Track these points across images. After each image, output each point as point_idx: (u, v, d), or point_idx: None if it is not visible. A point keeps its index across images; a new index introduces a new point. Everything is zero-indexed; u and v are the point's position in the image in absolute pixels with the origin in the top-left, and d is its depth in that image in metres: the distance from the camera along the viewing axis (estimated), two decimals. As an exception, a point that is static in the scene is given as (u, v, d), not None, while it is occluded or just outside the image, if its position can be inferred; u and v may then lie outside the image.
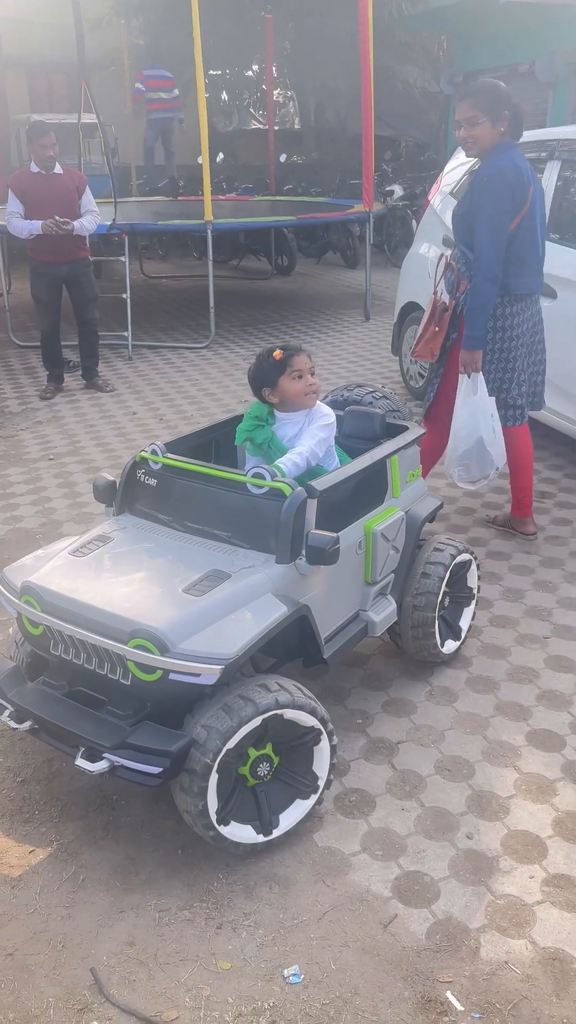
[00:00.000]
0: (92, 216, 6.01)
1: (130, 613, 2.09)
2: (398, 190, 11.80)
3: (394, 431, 2.88)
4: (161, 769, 2.00)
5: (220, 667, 2.01)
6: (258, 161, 14.36)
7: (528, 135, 5.15)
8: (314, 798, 2.25)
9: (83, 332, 6.32)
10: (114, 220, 7.23)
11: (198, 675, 2.02)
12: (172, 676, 2.02)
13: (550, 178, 4.62)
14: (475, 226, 3.42)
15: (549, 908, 2.04)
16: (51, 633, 2.21)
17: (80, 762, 2.07)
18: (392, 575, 2.72)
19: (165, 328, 8.57)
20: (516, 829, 2.28)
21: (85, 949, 1.96)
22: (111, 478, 2.59)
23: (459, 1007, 1.81)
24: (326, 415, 2.66)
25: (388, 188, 11.97)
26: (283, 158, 13.45)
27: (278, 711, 2.11)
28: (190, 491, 2.45)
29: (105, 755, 2.05)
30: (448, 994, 1.84)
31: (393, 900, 2.08)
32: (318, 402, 2.68)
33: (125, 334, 7.42)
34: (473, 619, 3.04)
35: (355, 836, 2.27)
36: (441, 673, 2.94)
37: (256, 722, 2.07)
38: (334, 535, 2.25)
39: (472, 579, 3.00)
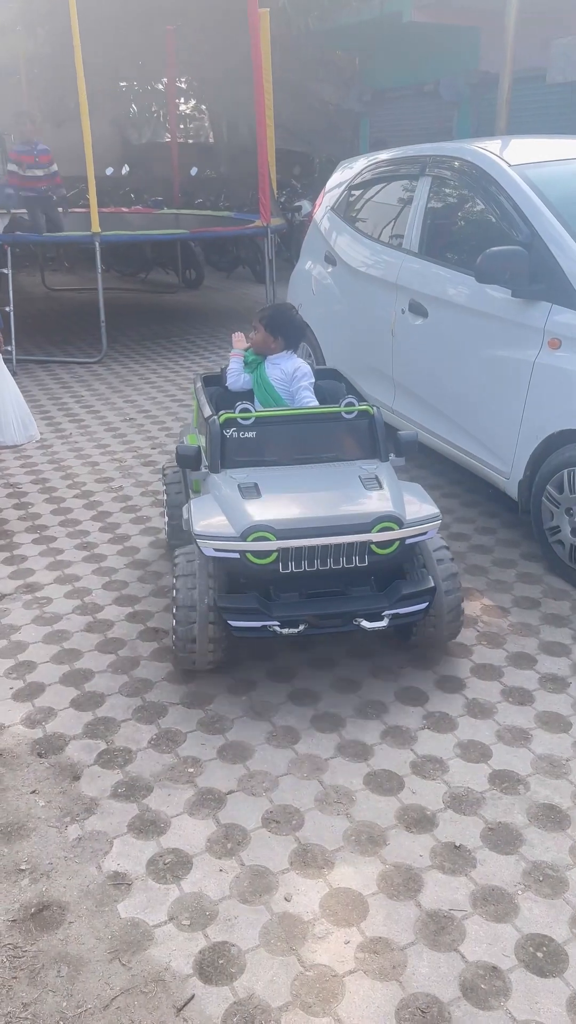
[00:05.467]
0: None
1: (360, 510, 2.72)
2: (307, 206, 11.76)
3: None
4: (427, 603, 2.79)
5: (438, 521, 2.85)
6: (170, 174, 14.17)
7: (400, 151, 5.13)
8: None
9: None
10: (-2, 232, 6.96)
11: (425, 533, 2.82)
12: (408, 541, 2.75)
13: (421, 194, 4.55)
14: None
15: (360, 978, 1.89)
16: (287, 554, 2.66)
17: (368, 625, 2.71)
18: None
19: (59, 342, 8.29)
20: (338, 887, 2.12)
21: None
22: (193, 444, 3.11)
23: None
24: (308, 371, 3.47)
25: (297, 204, 11.93)
26: (194, 171, 13.32)
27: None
28: (292, 431, 3.06)
29: (385, 612, 2.72)
30: None
31: (193, 978, 1.89)
32: (298, 359, 3.51)
33: (8, 348, 7.13)
34: None
35: (163, 904, 2.07)
36: (287, 712, 2.78)
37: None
38: (415, 431, 3.21)
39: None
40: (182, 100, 18.07)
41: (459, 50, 11.47)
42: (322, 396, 3.48)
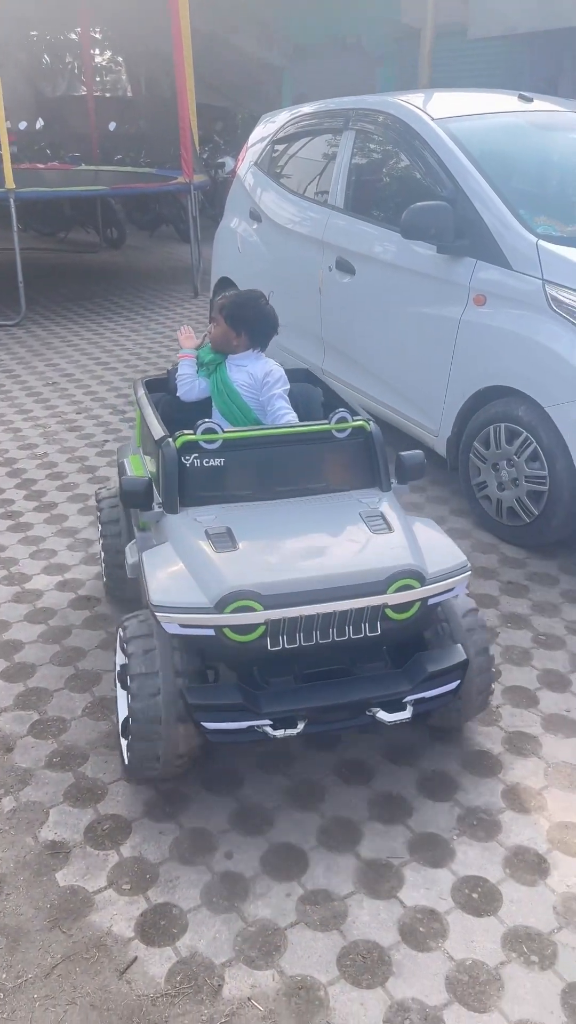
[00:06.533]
0: None
1: (370, 563, 2.12)
2: (230, 162, 11.51)
3: None
4: (459, 682, 2.18)
5: (468, 573, 2.22)
6: (88, 129, 13.67)
7: (322, 105, 5.05)
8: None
9: None
10: None
11: (451, 589, 2.19)
12: (431, 601, 2.15)
13: (345, 149, 4.49)
14: None
15: (302, 930, 1.91)
16: (277, 627, 2.05)
17: (389, 718, 2.09)
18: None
19: (-25, 306, 7.97)
20: (279, 843, 2.14)
21: None
22: (141, 476, 2.41)
23: (190, 1060, 1.65)
24: (282, 375, 2.80)
25: (220, 160, 11.68)
26: (113, 126, 12.87)
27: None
28: (271, 456, 2.42)
29: (407, 698, 2.11)
30: (181, 1045, 1.68)
31: (135, 941, 1.89)
32: (269, 360, 2.82)
33: None
34: None
35: (103, 870, 2.06)
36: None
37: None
38: (420, 451, 2.49)
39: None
40: (97, 51, 17.39)
41: (380, 3, 11.30)
42: (294, 404, 2.79)
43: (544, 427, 3.27)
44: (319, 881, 2.03)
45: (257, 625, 2.03)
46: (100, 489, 3.21)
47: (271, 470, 2.40)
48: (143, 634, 2.17)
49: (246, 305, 2.81)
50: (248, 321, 2.77)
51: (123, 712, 2.28)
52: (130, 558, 2.54)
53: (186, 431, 2.36)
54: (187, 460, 2.34)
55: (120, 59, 17.61)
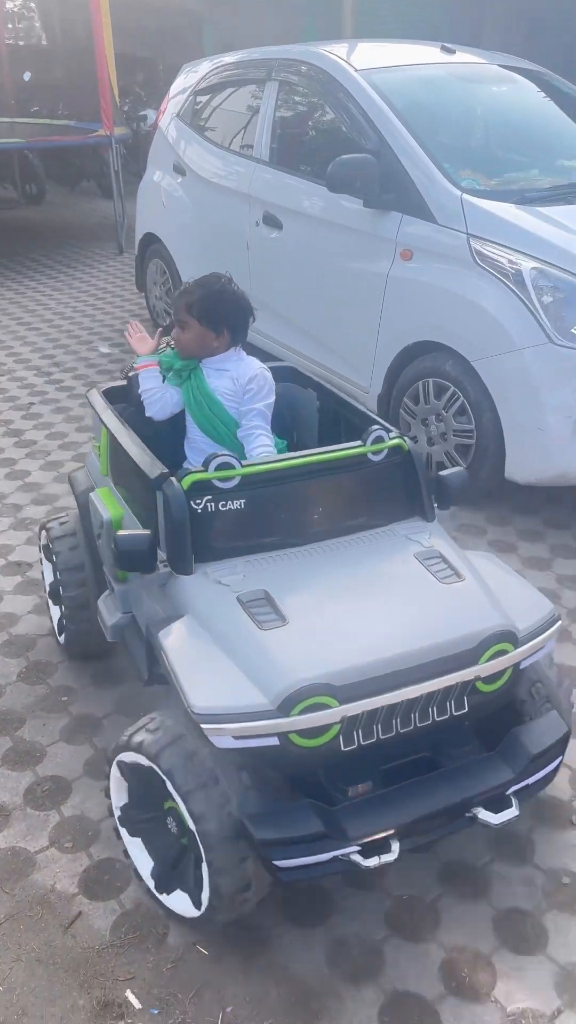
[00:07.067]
0: None
1: (457, 630, 1.71)
2: (152, 115, 11.17)
3: None
4: (560, 759, 1.83)
5: (558, 624, 1.86)
6: (1, 79, 13.06)
7: (244, 54, 4.94)
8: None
9: None
10: None
11: (543, 647, 1.82)
12: (522, 664, 1.80)
13: (269, 100, 4.42)
14: None
15: (244, 876, 1.96)
16: (354, 722, 1.63)
17: (493, 819, 1.70)
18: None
19: None
20: (220, 794, 2.17)
21: None
22: (141, 532, 1.88)
23: (137, 1005, 1.68)
24: (269, 381, 2.34)
25: (142, 112, 11.33)
26: (28, 76, 12.32)
27: None
28: (298, 492, 1.94)
29: (512, 790, 1.74)
30: (128, 993, 1.71)
31: (79, 896, 1.90)
32: (253, 361, 2.36)
33: None
34: None
35: (44, 830, 2.06)
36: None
37: None
38: (462, 469, 2.13)
39: None
40: (8, -5, 16.55)
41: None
42: (278, 414, 2.37)
43: (470, 381, 3.32)
44: (260, 829, 2.08)
45: (330, 725, 1.61)
46: (49, 523, 2.54)
47: (300, 508, 1.96)
48: (175, 736, 1.69)
49: (221, 298, 2.31)
50: (229, 316, 2.31)
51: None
52: (108, 616, 2.12)
53: (193, 468, 1.90)
54: (198, 505, 1.86)
55: (33, 4, 16.80)
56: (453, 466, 3.48)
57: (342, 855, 1.60)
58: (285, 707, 1.55)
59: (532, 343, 3.11)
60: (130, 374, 2.42)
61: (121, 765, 1.80)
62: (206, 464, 1.87)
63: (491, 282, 3.24)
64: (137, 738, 1.73)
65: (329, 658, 1.63)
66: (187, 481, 1.86)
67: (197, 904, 1.72)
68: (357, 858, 1.60)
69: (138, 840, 1.85)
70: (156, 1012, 1.67)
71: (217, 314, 2.29)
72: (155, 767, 1.68)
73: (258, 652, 1.65)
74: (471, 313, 3.29)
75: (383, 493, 2.04)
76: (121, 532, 1.87)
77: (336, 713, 1.58)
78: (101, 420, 2.30)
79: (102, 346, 5.60)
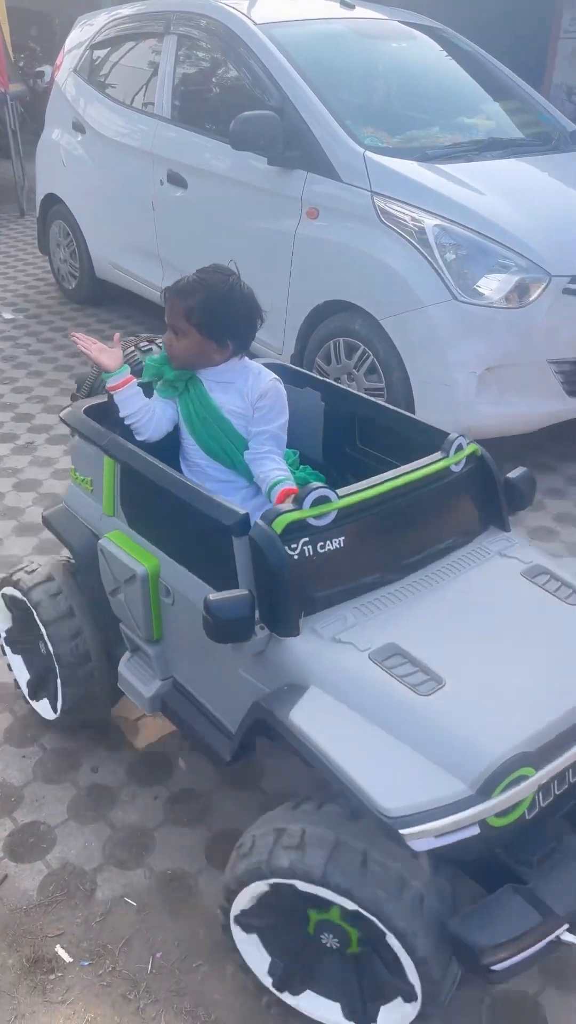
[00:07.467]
0: None
1: None
2: (49, 71, 10.76)
3: None
4: None
5: None
6: None
7: (142, 6, 4.81)
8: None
9: None
10: None
11: None
12: None
13: (168, 55, 4.32)
14: None
15: (169, 828, 1.99)
16: (544, 789, 1.44)
17: None
18: None
19: None
20: (145, 752, 2.19)
21: None
22: (240, 592, 1.51)
23: (67, 959, 1.70)
24: (281, 395, 1.99)
25: (38, 69, 10.91)
26: None
27: None
28: (390, 519, 1.69)
29: None
30: (57, 948, 1.73)
31: (4, 860, 1.91)
32: (264, 371, 1.98)
33: None
34: None
35: (-35, 799, 2.05)
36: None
37: None
38: (526, 468, 1.90)
39: None
40: None
41: None
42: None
43: (379, 339, 3.37)
44: (185, 782, 2.11)
45: (526, 797, 1.39)
46: (17, 574, 2.15)
47: (395, 538, 1.72)
48: (331, 844, 1.41)
49: (228, 304, 1.88)
50: (236, 326, 1.90)
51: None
52: (142, 685, 1.89)
53: (284, 509, 1.57)
54: (294, 550, 1.56)
55: None
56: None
57: (555, 938, 1.38)
58: (487, 789, 1.33)
59: (436, 300, 3.17)
60: (108, 389, 1.95)
61: (264, 898, 1.51)
62: (300, 500, 1.57)
63: (396, 240, 3.28)
64: (281, 862, 1.43)
65: (514, 722, 1.41)
66: (280, 523, 1.54)
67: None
68: (568, 937, 1.39)
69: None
70: (87, 964, 1.70)
71: (222, 324, 1.88)
72: (324, 888, 1.40)
73: (429, 726, 1.40)
74: (377, 271, 3.32)
75: (464, 507, 1.85)
76: (214, 597, 1.50)
77: (534, 783, 1.38)
78: (106, 451, 1.88)
79: (5, 311, 5.43)
